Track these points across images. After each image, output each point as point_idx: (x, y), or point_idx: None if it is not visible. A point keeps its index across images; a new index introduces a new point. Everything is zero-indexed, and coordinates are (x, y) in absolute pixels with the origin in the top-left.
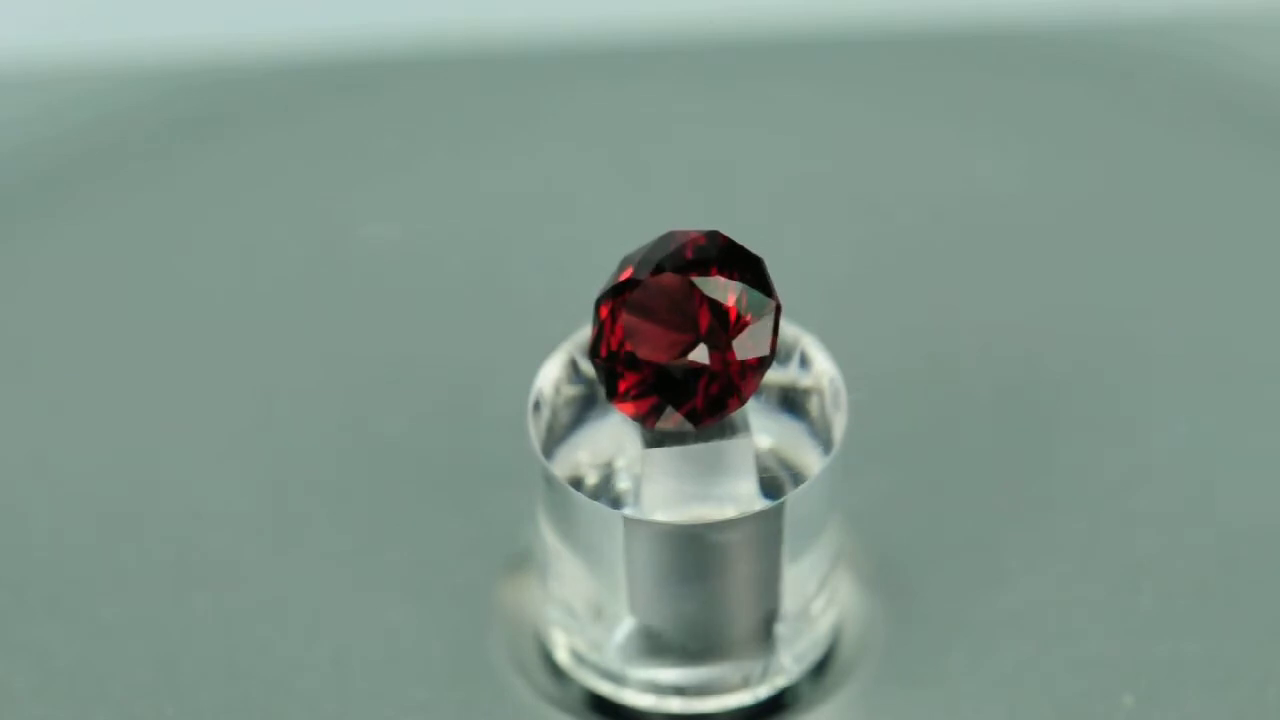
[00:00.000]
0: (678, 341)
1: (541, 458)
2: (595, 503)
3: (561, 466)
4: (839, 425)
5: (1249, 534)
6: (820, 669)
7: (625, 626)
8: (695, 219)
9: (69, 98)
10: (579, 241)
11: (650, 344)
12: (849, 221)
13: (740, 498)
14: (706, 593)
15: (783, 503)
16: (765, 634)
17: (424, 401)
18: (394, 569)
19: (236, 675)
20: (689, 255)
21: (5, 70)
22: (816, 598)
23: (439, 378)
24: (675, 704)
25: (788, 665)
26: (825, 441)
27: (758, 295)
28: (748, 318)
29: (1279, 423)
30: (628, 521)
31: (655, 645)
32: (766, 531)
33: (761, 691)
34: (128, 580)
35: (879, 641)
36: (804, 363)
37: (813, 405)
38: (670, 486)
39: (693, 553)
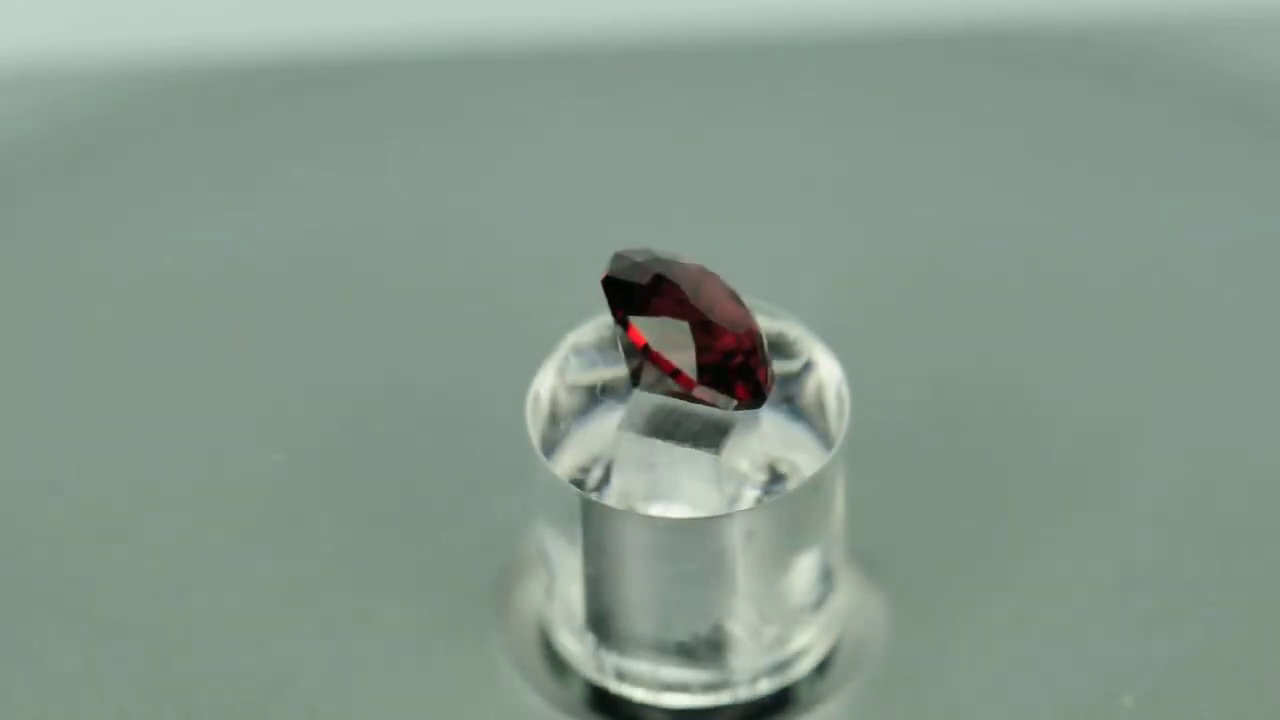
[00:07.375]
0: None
1: (542, 457)
2: (598, 501)
3: (562, 466)
4: (840, 424)
5: (1248, 534)
6: (820, 669)
7: (626, 623)
8: (693, 221)
9: (69, 98)
10: (576, 241)
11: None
12: (849, 224)
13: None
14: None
15: (786, 497)
16: (772, 630)
17: (423, 403)
18: (394, 569)
19: (236, 675)
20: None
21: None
22: (817, 596)
23: (438, 379)
24: (676, 700)
25: (786, 664)
26: (826, 440)
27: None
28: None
29: (1278, 423)
30: (632, 517)
31: (655, 642)
32: (770, 526)
33: (767, 686)
34: (128, 580)
35: (879, 641)
36: (807, 362)
37: (814, 403)
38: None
39: (695, 549)
